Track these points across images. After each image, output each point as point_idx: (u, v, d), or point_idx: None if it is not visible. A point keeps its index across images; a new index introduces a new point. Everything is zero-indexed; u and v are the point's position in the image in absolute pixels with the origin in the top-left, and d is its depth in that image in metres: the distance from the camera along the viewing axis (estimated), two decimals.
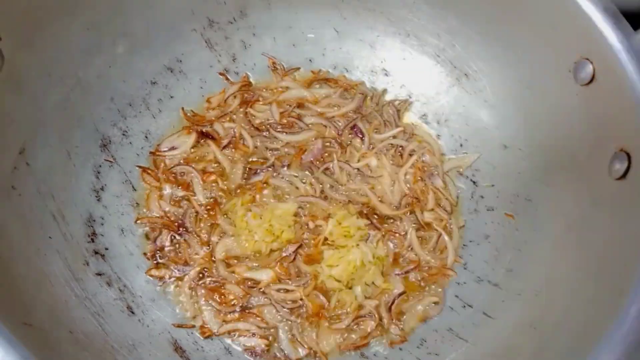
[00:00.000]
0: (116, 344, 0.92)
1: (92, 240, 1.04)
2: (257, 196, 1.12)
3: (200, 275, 1.06)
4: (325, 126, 1.21)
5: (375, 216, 1.13)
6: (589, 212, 0.94)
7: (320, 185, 1.14)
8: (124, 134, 1.16)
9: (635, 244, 0.80)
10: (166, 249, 1.08)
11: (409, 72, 1.27)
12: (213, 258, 1.07)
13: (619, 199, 0.88)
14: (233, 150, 1.17)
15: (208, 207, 1.11)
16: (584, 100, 0.97)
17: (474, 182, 1.19)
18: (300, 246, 1.07)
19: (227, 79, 1.26)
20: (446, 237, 1.11)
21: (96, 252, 1.03)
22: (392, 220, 1.13)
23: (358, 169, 1.16)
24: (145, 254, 1.07)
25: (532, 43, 1.06)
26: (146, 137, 1.18)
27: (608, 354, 0.72)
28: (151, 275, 1.06)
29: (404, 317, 1.05)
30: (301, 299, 1.04)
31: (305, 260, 1.07)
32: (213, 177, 1.13)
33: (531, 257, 1.03)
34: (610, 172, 0.90)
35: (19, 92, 0.95)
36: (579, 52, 0.96)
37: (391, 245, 1.10)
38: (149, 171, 1.14)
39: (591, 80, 0.95)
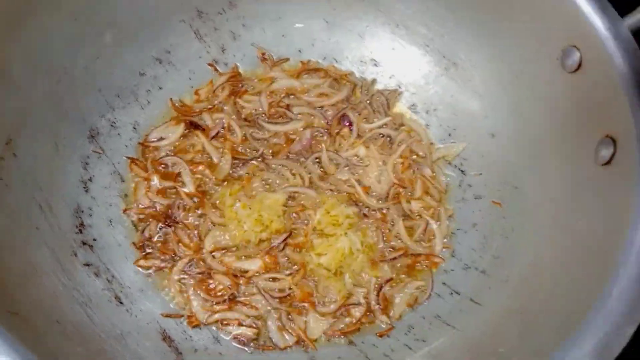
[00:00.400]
0: (104, 333, 0.92)
1: (80, 231, 1.04)
2: (246, 186, 1.12)
3: (189, 265, 1.06)
4: (314, 116, 1.21)
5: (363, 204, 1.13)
6: (574, 198, 0.95)
7: (309, 175, 1.14)
8: (112, 125, 1.15)
9: (618, 228, 0.80)
10: (154, 239, 1.08)
11: (398, 62, 1.27)
12: (201, 249, 1.07)
13: (604, 185, 0.88)
14: (222, 140, 1.17)
15: (196, 198, 1.11)
16: (571, 87, 0.97)
17: (462, 171, 1.19)
18: (289, 235, 1.07)
19: (216, 69, 1.26)
20: (434, 225, 1.11)
21: (84, 243, 1.03)
22: (380, 208, 1.13)
23: (347, 159, 1.16)
24: (134, 243, 1.07)
25: (520, 31, 1.06)
26: (134, 128, 1.18)
27: (591, 336, 0.73)
28: (139, 266, 1.05)
29: (392, 303, 1.05)
30: (290, 288, 1.04)
31: (294, 249, 1.07)
32: (201, 168, 1.13)
33: (518, 243, 1.04)
34: (596, 159, 0.90)
35: (4, 83, 0.95)
36: (566, 40, 0.96)
37: (380, 232, 1.10)
38: (138, 162, 1.14)
39: (578, 68, 0.95)
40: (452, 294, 1.06)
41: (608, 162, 0.88)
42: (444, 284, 1.08)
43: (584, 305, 0.76)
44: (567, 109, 0.99)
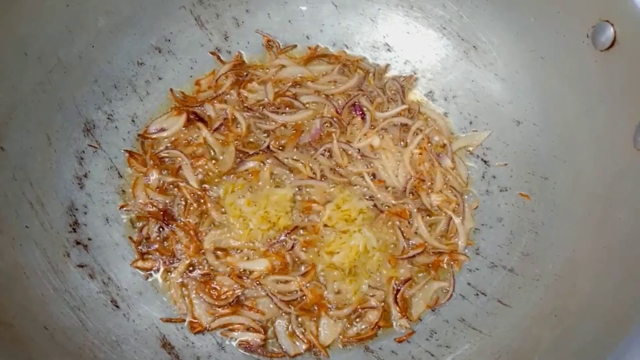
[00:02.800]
0: (97, 340, 0.87)
1: (74, 230, 0.98)
2: (252, 181, 1.05)
3: (191, 267, 0.99)
4: (324, 105, 1.13)
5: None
6: (612, 187, 0.88)
7: (320, 168, 1.07)
8: (109, 118, 1.09)
9: None
10: (153, 239, 1.01)
11: (414, 46, 1.20)
12: (202, 249, 1.00)
13: None
14: (225, 133, 1.10)
15: (197, 195, 1.04)
16: (603, 66, 0.91)
17: (485, 162, 1.11)
18: (294, 229, 1.00)
19: (218, 58, 1.19)
20: (456, 220, 1.03)
21: (78, 243, 0.97)
22: (397, 203, 1.05)
23: (359, 150, 1.09)
24: (130, 237, 1.01)
25: (544, 8, 0.99)
26: (133, 120, 1.11)
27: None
28: (137, 267, 0.99)
29: (411, 303, 0.98)
30: (299, 290, 0.96)
31: (303, 247, 1.00)
32: (203, 162, 1.06)
33: (549, 239, 0.97)
34: (635, 143, 0.84)
35: None
36: (598, 14, 0.89)
37: (398, 229, 1.02)
38: (136, 156, 1.07)
39: (612, 45, 0.88)
40: (477, 295, 0.99)
41: None
42: (468, 284, 1.01)
43: (630, 308, 0.69)
44: (599, 90, 0.93)
